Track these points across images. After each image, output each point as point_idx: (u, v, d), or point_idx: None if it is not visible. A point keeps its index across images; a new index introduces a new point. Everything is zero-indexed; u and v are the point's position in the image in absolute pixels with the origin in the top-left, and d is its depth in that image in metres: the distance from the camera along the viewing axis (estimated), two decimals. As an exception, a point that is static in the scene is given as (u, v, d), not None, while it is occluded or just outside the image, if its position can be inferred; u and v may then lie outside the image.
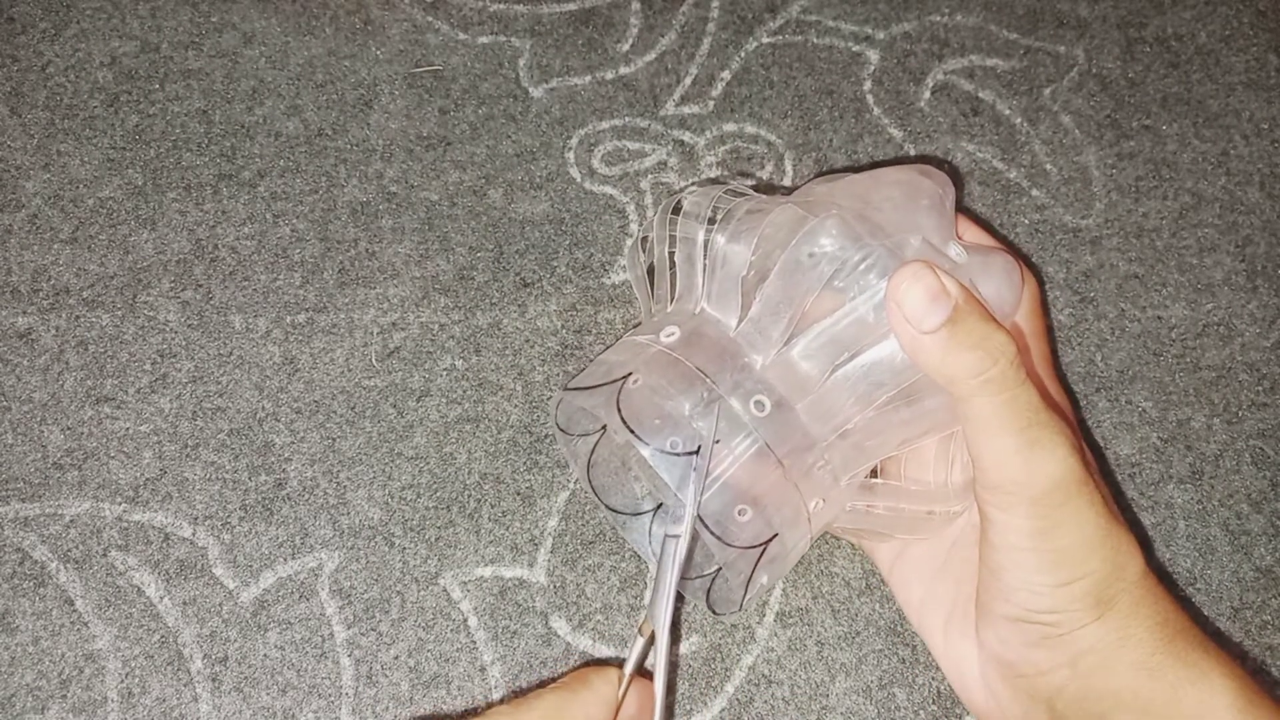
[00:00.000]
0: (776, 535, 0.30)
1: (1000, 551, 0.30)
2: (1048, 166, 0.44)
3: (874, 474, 0.33)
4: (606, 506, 0.37)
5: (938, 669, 0.36)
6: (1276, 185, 0.44)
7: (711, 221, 0.33)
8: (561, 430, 0.35)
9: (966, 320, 0.29)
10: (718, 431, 0.30)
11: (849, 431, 0.31)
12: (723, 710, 0.36)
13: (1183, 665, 0.30)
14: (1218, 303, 0.42)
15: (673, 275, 0.34)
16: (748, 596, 0.31)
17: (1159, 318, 0.42)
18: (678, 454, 0.29)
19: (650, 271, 0.35)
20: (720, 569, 0.33)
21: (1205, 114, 0.46)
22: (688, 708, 0.36)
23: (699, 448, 0.29)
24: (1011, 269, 0.32)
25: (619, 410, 0.30)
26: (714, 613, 0.35)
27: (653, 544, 0.36)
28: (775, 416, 0.30)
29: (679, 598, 0.36)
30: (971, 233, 0.36)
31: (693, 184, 0.34)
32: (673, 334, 0.32)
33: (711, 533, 0.29)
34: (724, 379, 0.30)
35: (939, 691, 0.36)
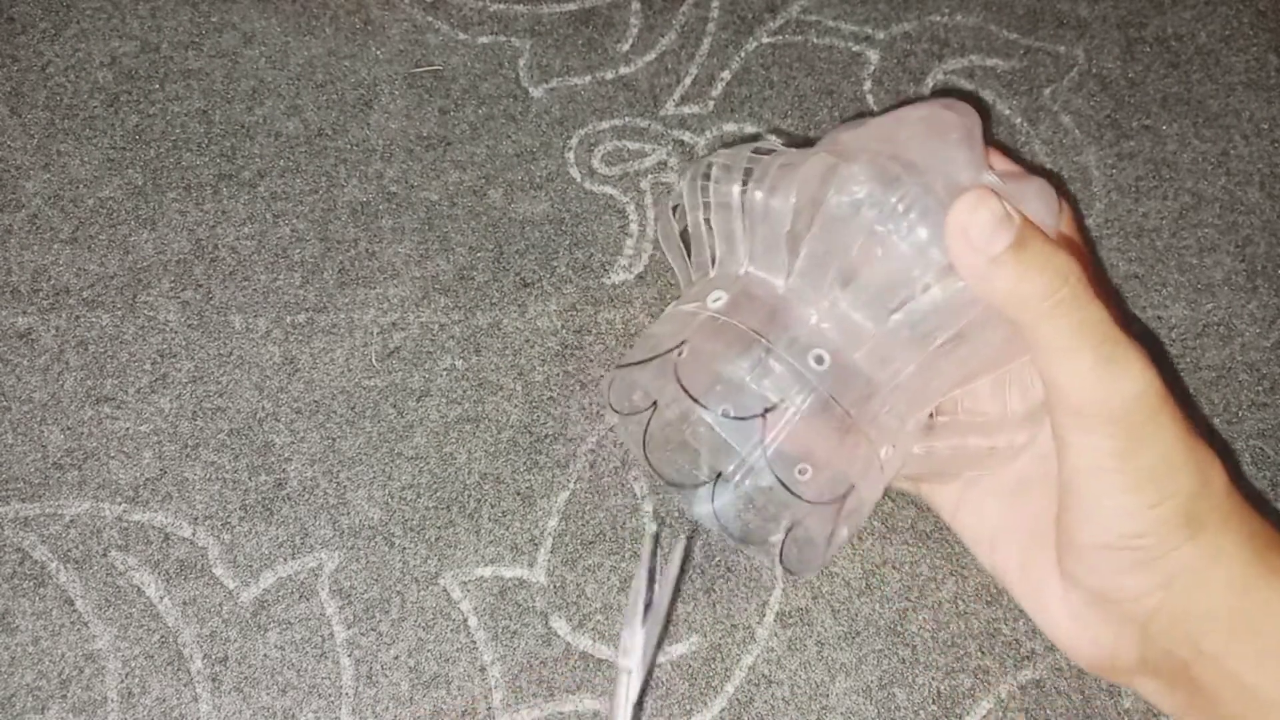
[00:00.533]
0: (853, 487, 0.30)
1: (1084, 475, 0.29)
2: (1048, 166, 0.44)
3: (931, 416, 0.33)
4: (665, 482, 0.36)
5: (938, 669, 0.36)
6: (1276, 185, 0.44)
7: (745, 181, 0.32)
8: (614, 410, 0.35)
9: (1032, 243, 0.28)
10: (781, 390, 0.29)
11: (910, 375, 0.30)
12: (723, 710, 0.36)
13: (1278, 579, 0.29)
14: (1218, 303, 0.42)
15: (711, 240, 0.33)
16: (830, 552, 0.31)
17: (1159, 318, 0.42)
18: (739, 419, 0.29)
19: (684, 240, 0.35)
20: (791, 529, 0.33)
21: (1205, 114, 0.45)
22: (688, 707, 0.36)
23: (763, 410, 0.29)
24: (1048, 193, 0.32)
25: (677, 380, 0.30)
26: (791, 573, 0.34)
27: (717, 516, 0.36)
28: (835, 369, 0.30)
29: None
30: (1001, 162, 0.36)
31: (717, 150, 0.33)
32: (720, 298, 0.31)
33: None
34: (779, 337, 0.30)
35: (939, 691, 0.36)
